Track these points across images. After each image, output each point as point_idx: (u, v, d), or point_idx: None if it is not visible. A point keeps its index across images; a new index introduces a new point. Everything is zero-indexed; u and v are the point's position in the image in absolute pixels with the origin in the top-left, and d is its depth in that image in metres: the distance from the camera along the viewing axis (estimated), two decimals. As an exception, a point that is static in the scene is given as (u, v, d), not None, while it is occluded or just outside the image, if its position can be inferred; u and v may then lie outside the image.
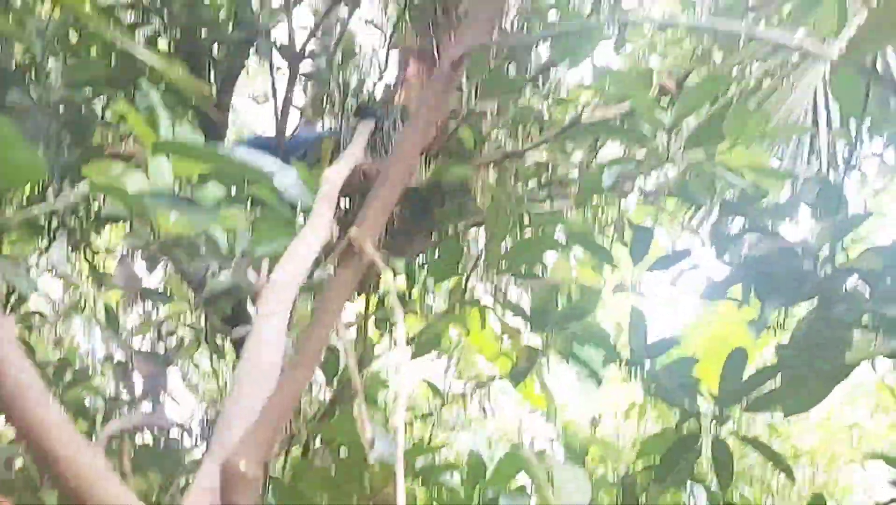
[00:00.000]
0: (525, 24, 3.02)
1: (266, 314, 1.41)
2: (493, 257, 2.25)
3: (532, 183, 2.74)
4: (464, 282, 2.15)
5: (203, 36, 3.07)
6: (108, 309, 2.96)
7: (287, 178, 1.92)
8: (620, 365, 2.20)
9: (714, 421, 2.05)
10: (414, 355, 2.41)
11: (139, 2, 2.92)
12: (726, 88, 2.27)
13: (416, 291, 2.42)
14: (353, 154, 2.24)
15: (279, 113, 3.23)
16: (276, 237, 2.29)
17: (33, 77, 2.46)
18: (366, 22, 3.74)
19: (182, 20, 2.97)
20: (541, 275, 2.36)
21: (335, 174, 1.91)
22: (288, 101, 3.35)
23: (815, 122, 2.73)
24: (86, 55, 2.70)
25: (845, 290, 1.96)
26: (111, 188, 1.75)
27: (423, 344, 2.36)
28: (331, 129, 3.36)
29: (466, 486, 2.10)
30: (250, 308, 3.10)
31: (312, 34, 3.32)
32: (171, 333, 3.29)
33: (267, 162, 1.88)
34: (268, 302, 1.43)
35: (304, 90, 3.62)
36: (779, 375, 2.03)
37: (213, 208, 1.91)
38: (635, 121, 2.26)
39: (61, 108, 2.48)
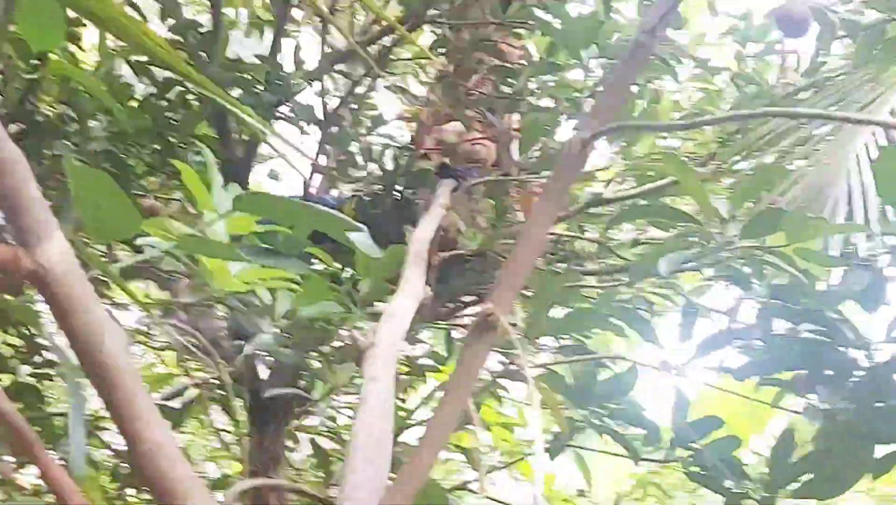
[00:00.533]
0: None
1: (373, 378, 1.40)
2: (534, 331, 2.24)
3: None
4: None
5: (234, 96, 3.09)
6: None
7: (359, 235, 1.91)
8: (660, 445, 2.21)
9: (759, 505, 2.06)
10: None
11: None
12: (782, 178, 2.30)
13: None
14: (438, 214, 2.25)
15: (308, 176, 3.27)
16: (319, 299, 2.28)
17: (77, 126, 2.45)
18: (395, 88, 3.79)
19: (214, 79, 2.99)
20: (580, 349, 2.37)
21: (423, 233, 1.92)
22: (316, 165, 3.37)
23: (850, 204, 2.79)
24: (127, 108, 2.69)
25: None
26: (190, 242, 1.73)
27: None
28: (346, 194, 3.39)
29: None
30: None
31: (344, 101, 3.37)
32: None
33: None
34: (374, 365, 1.42)
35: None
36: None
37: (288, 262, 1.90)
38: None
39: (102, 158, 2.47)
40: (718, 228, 1.80)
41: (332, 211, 1.65)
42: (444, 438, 1.19)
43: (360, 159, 3.25)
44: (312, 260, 2.19)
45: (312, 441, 2.59)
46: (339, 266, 2.18)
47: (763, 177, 2.04)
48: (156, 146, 2.88)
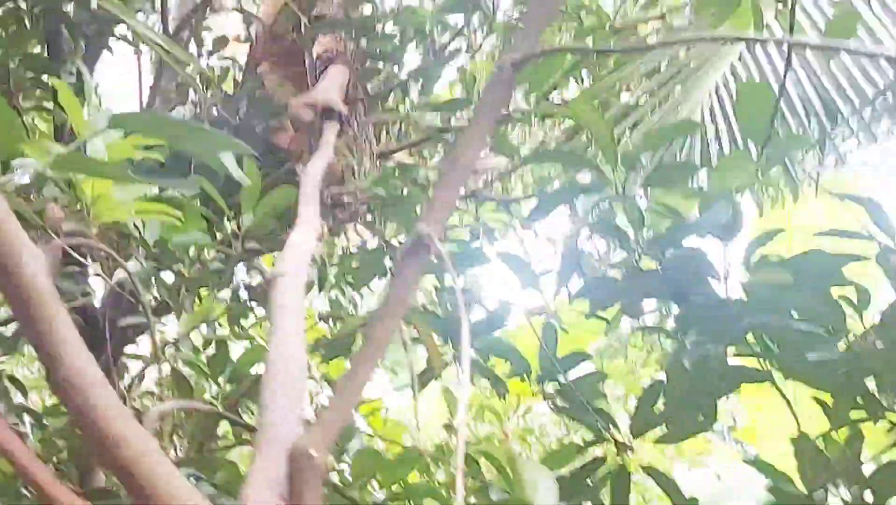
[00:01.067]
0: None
1: (282, 306, 1.40)
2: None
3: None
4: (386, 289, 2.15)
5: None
6: None
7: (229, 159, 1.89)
8: (529, 378, 2.27)
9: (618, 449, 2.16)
10: (325, 357, 2.42)
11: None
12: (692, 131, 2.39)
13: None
14: (327, 153, 2.25)
15: (145, 98, 3.21)
16: (192, 230, 2.25)
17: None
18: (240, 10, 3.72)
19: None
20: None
21: (314, 170, 1.91)
22: (156, 86, 3.30)
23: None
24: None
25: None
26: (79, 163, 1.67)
27: (336, 347, 2.36)
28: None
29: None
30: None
31: (185, 20, 3.30)
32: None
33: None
34: (282, 295, 1.42)
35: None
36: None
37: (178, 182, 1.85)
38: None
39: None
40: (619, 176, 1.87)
41: (209, 129, 1.62)
42: (373, 362, 1.21)
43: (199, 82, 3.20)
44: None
45: (172, 368, 2.55)
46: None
47: (673, 130, 2.13)
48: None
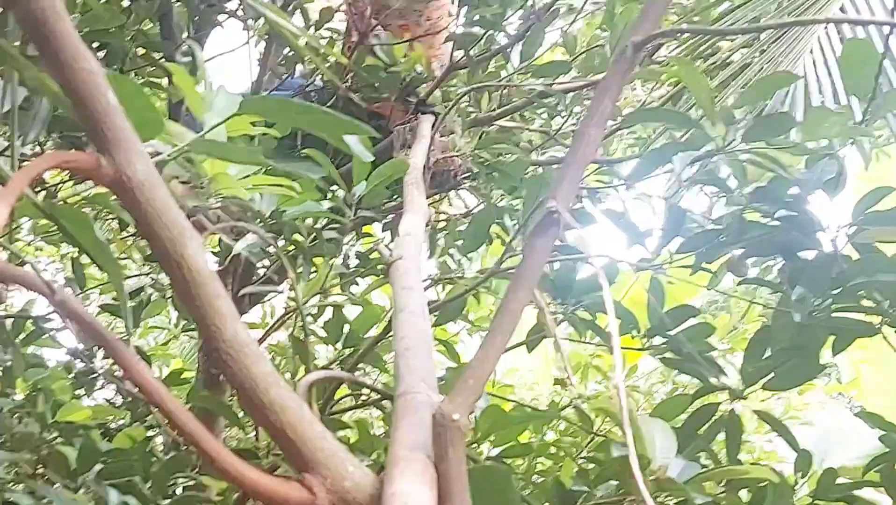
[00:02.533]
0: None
1: (408, 287, 1.48)
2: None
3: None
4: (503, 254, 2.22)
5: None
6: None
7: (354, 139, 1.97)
8: (639, 335, 2.33)
9: (730, 396, 2.21)
10: (437, 322, 2.51)
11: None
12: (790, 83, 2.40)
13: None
14: (425, 144, 2.34)
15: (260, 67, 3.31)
16: (306, 200, 2.34)
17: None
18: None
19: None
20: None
21: (419, 159, 2.00)
22: (266, 58, 3.41)
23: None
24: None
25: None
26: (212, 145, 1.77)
27: (448, 312, 2.45)
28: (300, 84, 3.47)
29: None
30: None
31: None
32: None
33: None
34: (406, 276, 1.50)
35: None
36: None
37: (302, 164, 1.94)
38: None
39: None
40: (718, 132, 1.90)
41: (336, 114, 1.70)
42: (509, 332, 1.27)
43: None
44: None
45: (292, 335, 2.67)
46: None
47: (771, 83, 2.14)
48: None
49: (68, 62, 1.04)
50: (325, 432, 1.21)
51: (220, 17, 3.32)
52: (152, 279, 3.71)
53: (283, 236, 2.40)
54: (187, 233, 1.17)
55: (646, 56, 2.98)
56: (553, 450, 2.85)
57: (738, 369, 2.18)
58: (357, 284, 3.05)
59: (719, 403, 2.20)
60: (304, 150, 2.15)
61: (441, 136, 2.93)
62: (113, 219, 3.69)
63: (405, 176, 2.09)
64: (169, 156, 1.83)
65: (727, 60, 3.43)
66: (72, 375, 3.19)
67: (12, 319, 2.90)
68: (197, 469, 2.55)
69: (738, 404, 2.23)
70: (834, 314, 2.09)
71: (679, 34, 2.84)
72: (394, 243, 1.67)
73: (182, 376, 3.55)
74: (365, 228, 3.51)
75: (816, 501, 2.14)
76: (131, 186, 1.15)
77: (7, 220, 0.91)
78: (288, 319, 3.22)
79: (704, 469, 2.01)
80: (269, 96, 3.21)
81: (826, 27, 3.15)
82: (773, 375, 2.14)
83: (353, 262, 3.07)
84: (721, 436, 2.21)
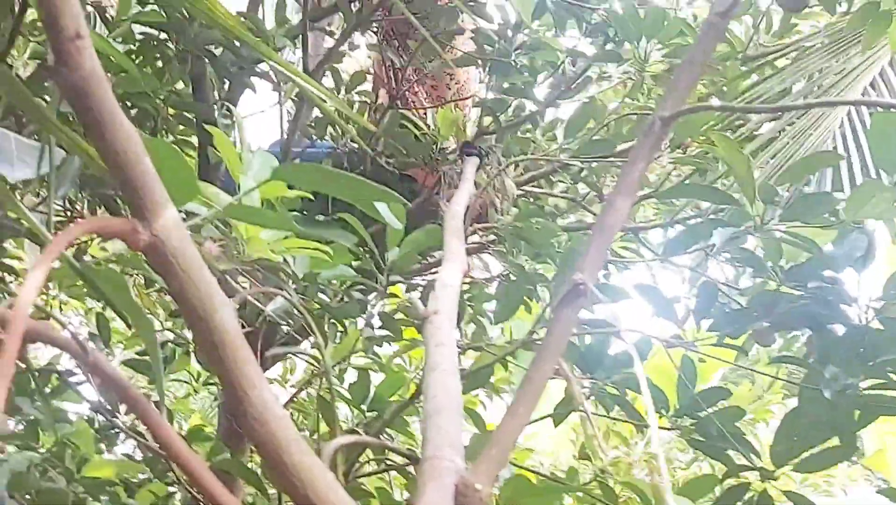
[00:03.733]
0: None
1: (440, 343, 1.47)
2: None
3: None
4: (533, 325, 2.21)
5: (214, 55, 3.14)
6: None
7: (384, 206, 1.99)
8: (668, 414, 2.31)
9: (761, 477, 2.17)
10: (464, 390, 2.49)
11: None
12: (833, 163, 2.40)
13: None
14: (468, 187, 2.34)
15: (287, 131, 3.34)
16: (338, 263, 2.35)
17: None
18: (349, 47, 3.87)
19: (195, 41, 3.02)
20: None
21: (458, 208, 2.00)
22: (296, 120, 3.44)
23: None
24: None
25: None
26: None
27: (476, 379, 2.44)
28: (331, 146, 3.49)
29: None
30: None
31: (327, 58, 3.41)
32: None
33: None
34: (439, 332, 1.49)
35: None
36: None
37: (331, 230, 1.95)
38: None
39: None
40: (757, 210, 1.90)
41: (366, 181, 1.71)
42: (534, 402, 1.26)
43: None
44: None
45: (319, 396, 2.66)
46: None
47: (812, 162, 2.14)
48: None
49: (107, 128, 1.05)
50: (346, 500, 1.20)
51: (252, 79, 3.35)
52: (175, 334, 3.73)
53: (307, 296, 2.40)
54: (219, 298, 1.17)
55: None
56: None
57: (769, 449, 2.14)
58: (381, 346, 3.05)
59: (749, 484, 2.17)
60: (336, 214, 2.16)
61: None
62: (138, 274, 3.70)
63: (445, 224, 2.09)
64: (204, 220, 1.84)
65: (755, 133, 3.44)
66: (94, 429, 3.19)
67: (38, 373, 2.91)
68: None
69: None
70: (865, 391, 2.07)
71: (707, 110, 2.84)
72: (431, 295, 1.66)
73: (204, 431, 3.54)
74: (391, 289, 3.51)
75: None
76: (165, 252, 1.15)
77: (43, 284, 0.91)
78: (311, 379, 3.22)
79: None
80: (301, 163, 3.23)
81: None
82: (804, 455, 2.11)
83: (377, 322, 3.06)
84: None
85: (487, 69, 3.19)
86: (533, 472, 3.29)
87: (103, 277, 1.32)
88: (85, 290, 3.30)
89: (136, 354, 3.63)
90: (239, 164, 1.96)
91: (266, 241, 2.06)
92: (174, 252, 1.16)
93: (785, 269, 2.10)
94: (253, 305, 2.49)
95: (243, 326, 3.07)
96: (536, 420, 2.56)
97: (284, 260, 2.25)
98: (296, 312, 2.51)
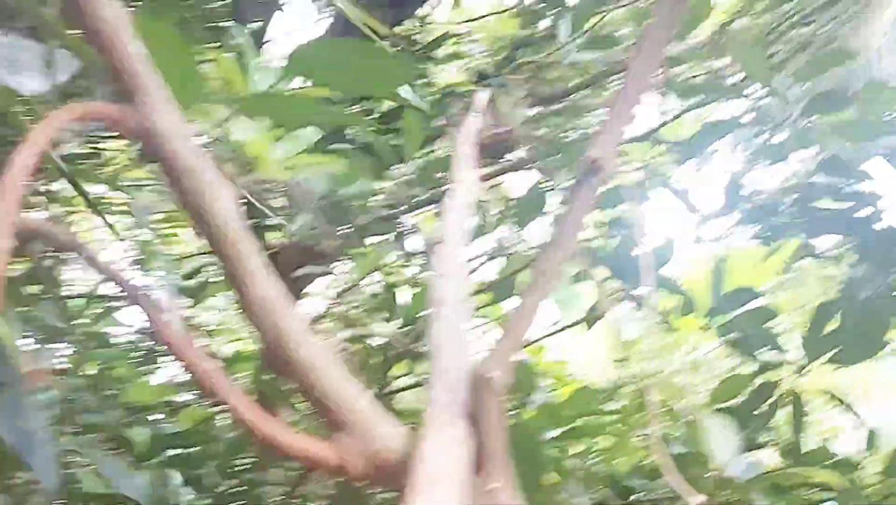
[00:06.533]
0: None
1: (443, 275, 1.42)
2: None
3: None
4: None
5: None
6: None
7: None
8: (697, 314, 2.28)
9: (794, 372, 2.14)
10: (493, 300, 2.48)
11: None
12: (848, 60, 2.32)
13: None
14: (479, 116, 2.31)
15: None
16: (359, 178, 2.32)
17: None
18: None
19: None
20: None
21: (468, 131, 1.97)
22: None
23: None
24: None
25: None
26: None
27: (503, 288, 2.42)
28: None
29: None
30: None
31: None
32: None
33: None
34: (443, 263, 1.44)
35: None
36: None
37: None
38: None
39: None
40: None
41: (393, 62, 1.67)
42: (547, 287, 1.23)
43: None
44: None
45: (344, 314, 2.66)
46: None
47: (830, 59, 2.08)
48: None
49: (89, 10, 1.03)
50: (358, 393, 1.19)
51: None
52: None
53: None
54: (217, 187, 1.16)
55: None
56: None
57: (802, 343, 2.12)
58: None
59: (777, 382, 2.14)
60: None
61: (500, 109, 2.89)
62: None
63: (453, 150, 2.05)
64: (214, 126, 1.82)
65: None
66: (138, 353, 3.22)
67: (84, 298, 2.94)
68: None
69: (803, 379, 2.18)
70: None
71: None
72: (436, 225, 1.62)
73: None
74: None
75: (888, 480, 2.09)
76: (156, 135, 1.13)
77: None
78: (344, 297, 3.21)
79: (768, 471, 1.96)
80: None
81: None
82: (836, 349, 2.09)
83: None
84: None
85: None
86: (560, 381, 3.27)
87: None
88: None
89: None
90: (241, 80, 1.93)
91: (278, 160, 2.02)
92: (169, 139, 1.12)
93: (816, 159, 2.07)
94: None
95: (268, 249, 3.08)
96: (570, 326, 2.56)
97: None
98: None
